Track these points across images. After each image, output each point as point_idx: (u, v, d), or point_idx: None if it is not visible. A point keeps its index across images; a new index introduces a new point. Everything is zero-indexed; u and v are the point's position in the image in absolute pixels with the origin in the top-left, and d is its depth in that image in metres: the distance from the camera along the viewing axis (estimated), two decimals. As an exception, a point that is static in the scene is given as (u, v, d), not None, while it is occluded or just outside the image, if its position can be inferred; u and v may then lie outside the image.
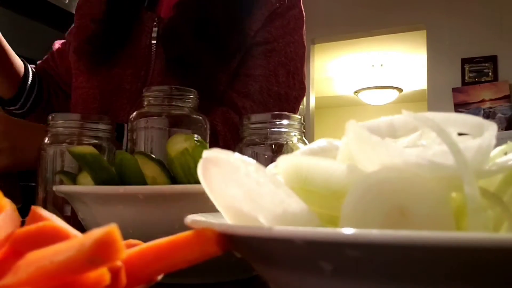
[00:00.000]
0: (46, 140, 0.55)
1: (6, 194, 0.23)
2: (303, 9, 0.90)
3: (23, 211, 0.24)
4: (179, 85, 0.75)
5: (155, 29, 0.83)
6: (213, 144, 0.54)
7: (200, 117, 0.54)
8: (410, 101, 5.58)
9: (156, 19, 0.84)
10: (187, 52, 0.80)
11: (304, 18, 0.90)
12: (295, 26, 0.87)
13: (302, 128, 0.54)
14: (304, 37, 0.90)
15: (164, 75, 0.81)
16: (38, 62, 1.03)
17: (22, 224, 0.22)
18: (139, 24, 0.84)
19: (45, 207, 0.54)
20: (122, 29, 0.84)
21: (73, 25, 0.97)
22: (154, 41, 0.83)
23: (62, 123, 0.54)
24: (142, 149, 0.52)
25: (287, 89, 0.83)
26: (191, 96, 0.54)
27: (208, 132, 0.56)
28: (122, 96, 0.83)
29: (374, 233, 0.16)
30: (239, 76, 0.83)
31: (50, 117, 0.55)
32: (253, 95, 0.80)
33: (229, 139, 0.77)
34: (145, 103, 0.54)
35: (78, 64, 0.88)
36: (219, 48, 0.80)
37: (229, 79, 0.82)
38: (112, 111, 0.83)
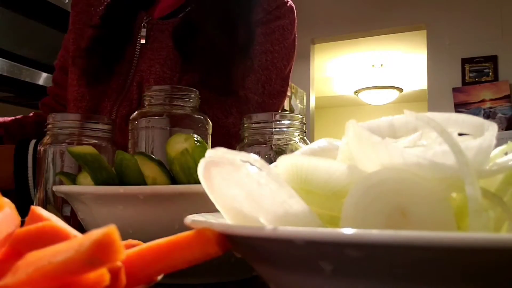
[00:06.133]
0: (46, 140, 0.55)
1: None
2: (295, 21, 0.90)
3: (23, 211, 0.24)
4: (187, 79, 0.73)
5: (144, 29, 0.84)
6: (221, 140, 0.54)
7: (202, 117, 0.54)
8: (410, 101, 5.58)
9: (144, 18, 0.85)
10: (208, 46, 0.80)
11: (295, 31, 0.90)
12: (280, 37, 0.86)
13: (304, 128, 0.53)
14: (292, 49, 0.89)
15: (181, 71, 0.81)
16: (48, 87, 1.01)
17: (22, 224, 0.22)
18: (133, 26, 0.85)
19: (44, 207, 0.54)
20: (121, 33, 0.85)
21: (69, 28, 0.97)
22: (143, 41, 0.83)
23: (61, 123, 0.54)
24: (143, 149, 0.52)
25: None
26: (192, 96, 0.54)
27: (210, 131, 0.56)
28: (109, 95, 0.84)
29: (374, 233, 0.16)
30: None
31: (50, 117, 0.55)
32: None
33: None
34: (146, 102, 0.54)
35: (74, 68, 0.88)
36: (237, 40, 0.81)
37: (245, 72, 0.83)
38: (99, 110, 0.84)
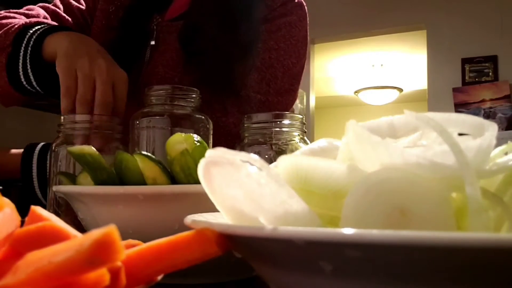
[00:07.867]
0: (58, 140, 0.55)
1: None
2: (305, 17, 0.88)
3: (23, 211, 0.24)
4: (194, 81, 0.74)
5: (153, 31, 0.84)
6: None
7: (203, 117, 0.54)
8: (410, 101, 5.58)
9: (154, 20, 0.84)
10: (210, 46, 0.79)
11: (306, 27, 0.88)
12: (287, 34, 0.85)
13: (304, 128, 0.53)
14: (302, 46, 0.87)
15: (184, 73, 0.80)
16: None
17: (22, 224, 0.22)
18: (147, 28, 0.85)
19: (56, 208, 0.54)
20: (138, 35, 0.84)
21: None
22: (153, 42, 0.83)
23: (73, 123, 0.55)
24: (144, 149, 0.52)
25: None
26: (194, 96, 0.54)
27: (211, 131, 0.56)
28: None
29: (374, 233, 0.16)
30: None
31: (62, 118, 0.55)
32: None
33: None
34: (147, 102, 0.54)
35: None
36: (239, 39, 0.80)
37: (246, 71, 0.81)
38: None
